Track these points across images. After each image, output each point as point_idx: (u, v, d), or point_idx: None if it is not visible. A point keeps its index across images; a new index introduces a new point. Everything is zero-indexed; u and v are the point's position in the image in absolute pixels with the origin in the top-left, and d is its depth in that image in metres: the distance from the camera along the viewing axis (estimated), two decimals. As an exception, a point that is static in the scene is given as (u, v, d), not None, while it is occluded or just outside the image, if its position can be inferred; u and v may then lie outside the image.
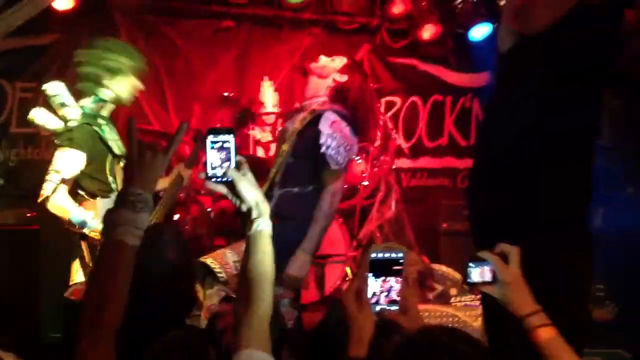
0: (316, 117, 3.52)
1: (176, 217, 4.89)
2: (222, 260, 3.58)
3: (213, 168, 1.73)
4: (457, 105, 6.81)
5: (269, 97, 5.67)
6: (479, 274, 1.90)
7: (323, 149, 3.39)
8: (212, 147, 1.73)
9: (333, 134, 3.41)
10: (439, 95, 6.79)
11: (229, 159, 1.73)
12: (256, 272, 1.72)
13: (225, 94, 5.34)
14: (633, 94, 4.47)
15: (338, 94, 3.63)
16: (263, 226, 1.76)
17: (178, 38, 6.11)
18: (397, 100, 6.63)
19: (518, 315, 1.85)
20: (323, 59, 3.75)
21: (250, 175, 1.77)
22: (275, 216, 1.88)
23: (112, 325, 1.55)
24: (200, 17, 6.16)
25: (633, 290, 4.55)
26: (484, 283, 1.91)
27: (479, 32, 6.50)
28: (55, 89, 3.50)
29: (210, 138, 1.73)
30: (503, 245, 1.91)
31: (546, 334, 1.80)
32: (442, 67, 6.77)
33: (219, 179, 1.74)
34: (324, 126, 3.44)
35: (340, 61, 3.72)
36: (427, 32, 6.52)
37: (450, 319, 4.60)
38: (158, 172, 1.70)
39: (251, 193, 1.75)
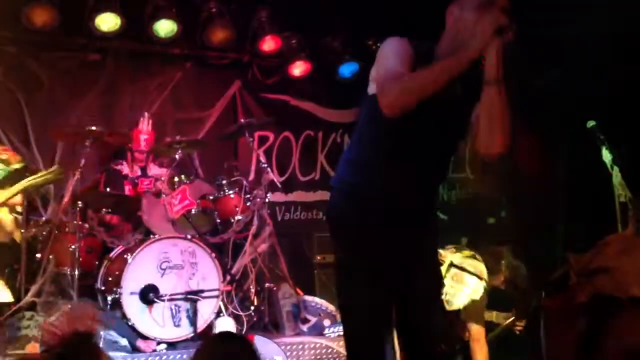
0: None
1: (38, 255, 4.63)
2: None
3: None
4: (329, 141, 6.94)
5: (144, 133, 5.53)
6: None
7: None
8: None
9: None
10: (310, 130, 6.89)
11: None
12: None
13: (92, 128, 5.03)
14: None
15: None
16: None
17: (41, 71, 5.83)
18: (270, 135, 6.67)
19: None
20: None
21: None
22: None
23: None
24: (65, 49, 5.92)
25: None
26: None
27: (348, 69, 6.69)
28: None
29: None
30: None
31: None
32: (313, 103, 6.89)
33: None
34: None
35: None
36: (298, 69, 6.64)
37: (324, 351, 4.62)
38: None
39: None
